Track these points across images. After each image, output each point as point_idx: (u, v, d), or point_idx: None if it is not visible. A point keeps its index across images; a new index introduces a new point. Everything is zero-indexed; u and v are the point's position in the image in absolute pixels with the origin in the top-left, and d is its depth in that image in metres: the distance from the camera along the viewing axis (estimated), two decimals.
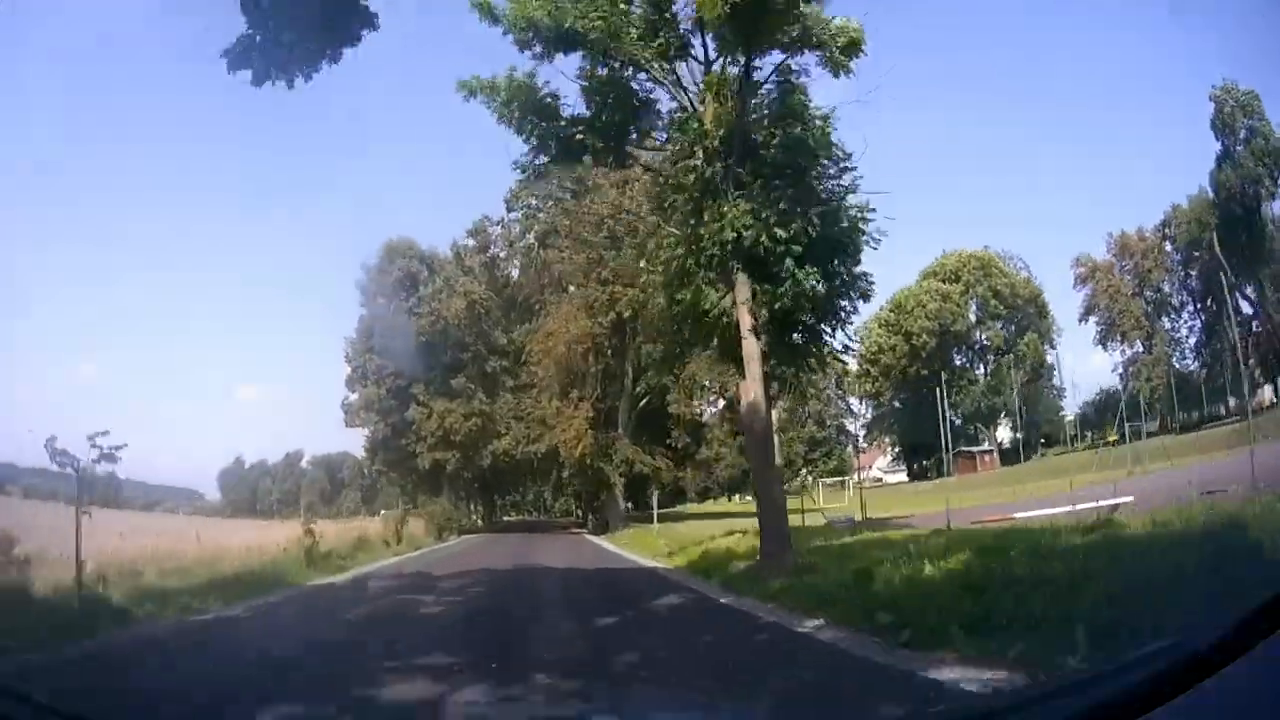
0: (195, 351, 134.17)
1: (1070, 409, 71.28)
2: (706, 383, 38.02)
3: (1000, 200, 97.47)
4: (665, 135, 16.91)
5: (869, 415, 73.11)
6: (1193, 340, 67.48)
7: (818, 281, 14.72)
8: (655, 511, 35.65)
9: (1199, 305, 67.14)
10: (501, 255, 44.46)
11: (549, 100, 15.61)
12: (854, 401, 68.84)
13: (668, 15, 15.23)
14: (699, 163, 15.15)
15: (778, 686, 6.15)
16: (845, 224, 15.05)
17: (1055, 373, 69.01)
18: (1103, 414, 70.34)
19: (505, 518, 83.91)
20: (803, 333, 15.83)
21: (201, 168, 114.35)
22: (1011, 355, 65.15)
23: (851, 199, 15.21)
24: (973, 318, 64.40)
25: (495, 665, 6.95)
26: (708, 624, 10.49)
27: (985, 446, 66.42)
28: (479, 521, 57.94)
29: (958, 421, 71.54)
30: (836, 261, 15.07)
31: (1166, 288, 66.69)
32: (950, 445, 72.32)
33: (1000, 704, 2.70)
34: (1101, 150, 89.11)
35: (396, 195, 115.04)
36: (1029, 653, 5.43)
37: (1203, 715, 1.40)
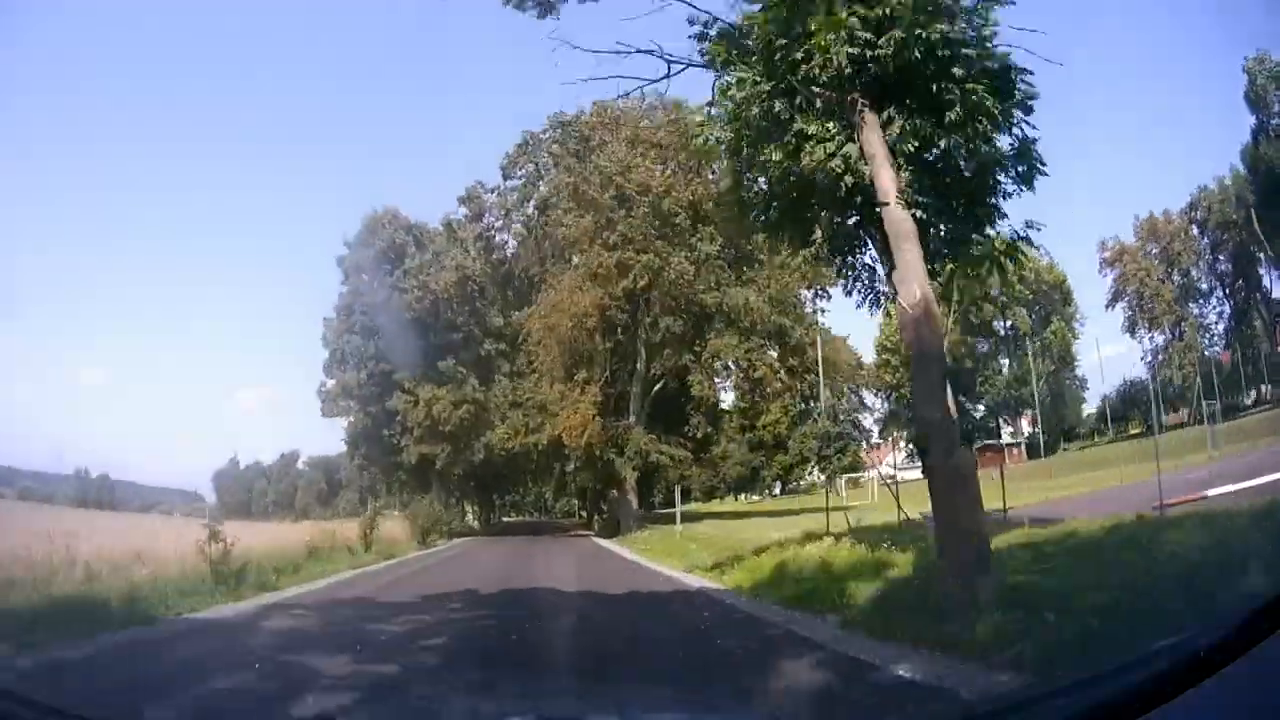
0: (198, 353, 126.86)
1: (1092, 401, 64.78)
2: (732, 362, 31.26)
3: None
4: None
5: (884, 409, 66.41)
6: (1221, 326, 61.29)
7: (993, 103, 8.24)
8: (679, 510, 28.75)
9: (1228, 289, 60.98)
10: (497, 224, 37.77)
11: None
12: (866, 395, 61.85)
13: None
14: None
15: None
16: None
17: (1078, 363, 62.53)
18: (1129, 405, 63.86)
19: (504, 519, 76.65)
20: (967, 203, 9.11)
21: (194, 165, 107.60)
22: (1038, 343, 58.63)
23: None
24: (996, 306, 57.94)
25: None
26: None
27: (1013, 439, 59.71)
28: (475, 523, 51.00)
29: (979, 414, 64.82)
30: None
31: (1194, 272, 60.55)
32: (971, 438, 65.70)
33: (1000, 704, 2.47)
34: (1119, 134, 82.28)
35: (396, 192, 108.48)
36: None
37: (1203, 715, 1.33)
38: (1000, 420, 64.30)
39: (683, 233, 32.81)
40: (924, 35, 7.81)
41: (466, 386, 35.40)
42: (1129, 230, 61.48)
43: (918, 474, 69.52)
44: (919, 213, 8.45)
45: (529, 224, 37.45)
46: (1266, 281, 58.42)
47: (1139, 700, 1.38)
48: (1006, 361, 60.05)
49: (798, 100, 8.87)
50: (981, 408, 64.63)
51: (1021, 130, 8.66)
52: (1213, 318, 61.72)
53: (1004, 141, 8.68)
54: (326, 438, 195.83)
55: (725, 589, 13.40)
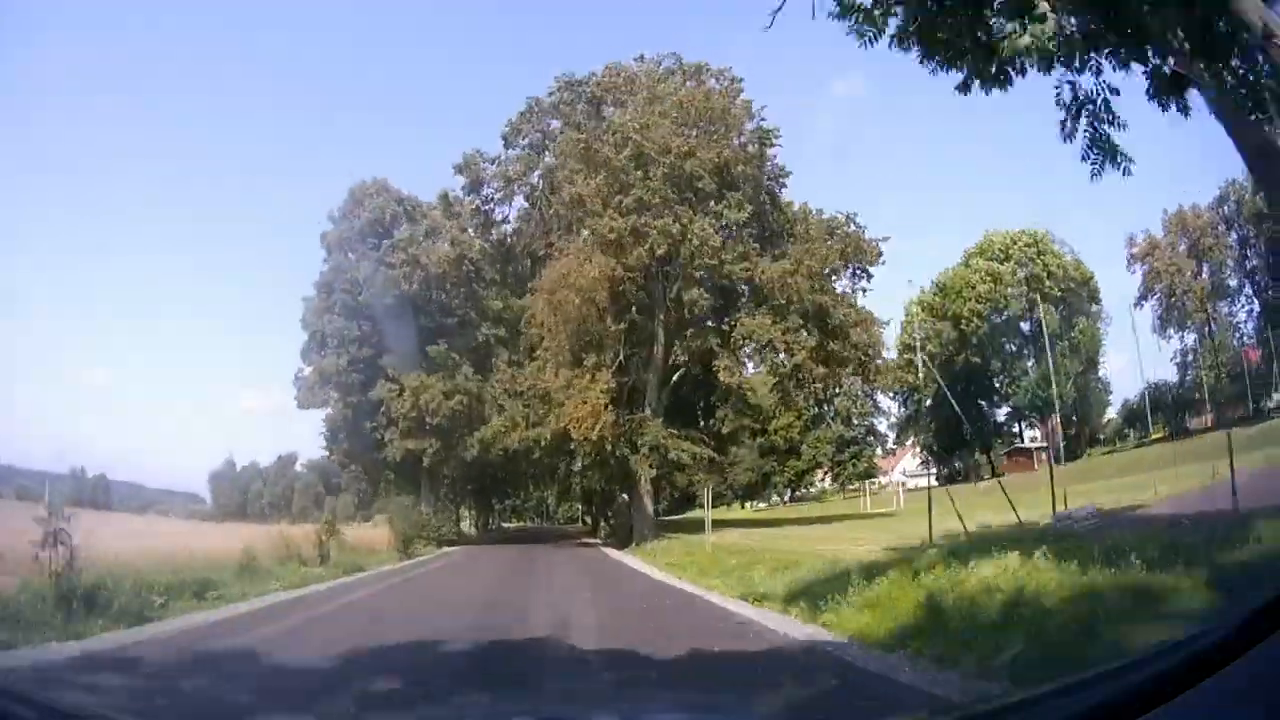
0: (203, 354, 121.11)
1: (1114, 404, 59.24)
2: (765, 344, 25.60)
3: (1030, 181, 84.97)
4: None
5: (901, 413, 60.80)
6: (1250, 325, 55.95)
7: None
8: (709, 516, 23.06)
9: (1259, 286, 55.74)
10: (497, 197, 32.28)
11: None
12: (881, 398, 56.30)
13: None
14: None
15: None
16: None
17: (1103, 364, 57.05)
18: (1153, 409, 58.36)
19: (505, 525, 70.50)
20: None
21: (187, 157, 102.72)
22: (1066, 343, 53.18)
23: None
24: (1024, 301, 52.64)
25: None
26: None
27: (1038, 443, 54.05)
28: (473, 529, 45.19)
29: (1001, 417, 59.29)
30: None
31: (1223, 269, 55.35)
32: (989, 443, 59.94)
33: (1000, 704, 2.24)
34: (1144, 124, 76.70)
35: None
36: None
37: (1203, 715, 1.28)
38: (1022, 424, 58.70)
39: (707, 199, 27.49)
40: None
41: (460, 375, 29.86)
42: (1155, 226, 56.37)
43: (934, 480, 63.79)
44: None
45: (533, 196, 32.07)
46: None
47: (1139, 700, 1.32)
48: (1032, 362, 54.63)
49: None
50: (1004, 410, 59.13)
51: None
52: (1241, 316, 56.62)
53: None
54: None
55: (841, 639, 7.73)
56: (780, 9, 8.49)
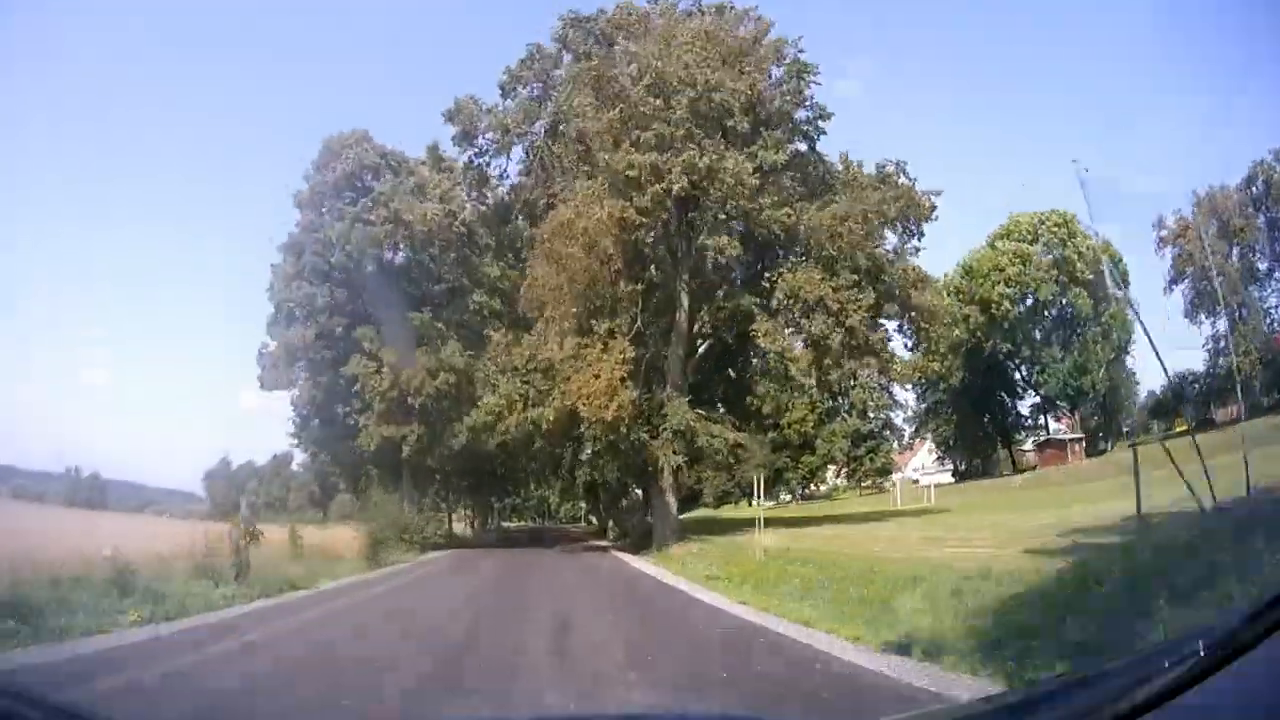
0: (201, 353, 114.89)
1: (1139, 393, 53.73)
2: (825, 294, 19.87)
3: (1046, 165, 78.94)
4: None
5: (920, 405, 55.15)
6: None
7: None
8: (761, 513, 17.41)
9: None
10: (492, 148, 26.68)
11: None
12: (897, 390, 50.57)
13: None
14: None
15: None
16: None
17: (1132, 352, 51.53)
18: (1178, 400, 52.83)
19: (506, 524, 64.44)
20: None
21: (183, 147, 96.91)
22: (1099, 328, 47.83)
23: None
24: (1055, 285, 47.34)
25: None
26: None
27: (1073, 434, 48.53)
28: (469, 530, 39.43)
29: (1025, 409, 53.75)
30: None
31: (1253, 252, 50.19)
32: (1010, 436, 54.45)
33: (999, 704, 2.10)
34: (1168, 104, 70.72)
35: None
36: None
37: (1202, 715, 1.24)
38: (1047, 415, 53.12)
39: (739, 140, 22.05)
40: None
41: (447, 349, 24.22)
42: (1172, 211, 51.07)
43: (948, 477, 58.11)
44: None
45: (533, 148, 26.50)
46: None
47: (1139, 700, 1.27)
48: (1060, 350, 49.26)
49: None
50: (1028, 401, 53.58)
51: None
52: (1272, 300, 51.40)
53: None
54: None
55: None
56: None
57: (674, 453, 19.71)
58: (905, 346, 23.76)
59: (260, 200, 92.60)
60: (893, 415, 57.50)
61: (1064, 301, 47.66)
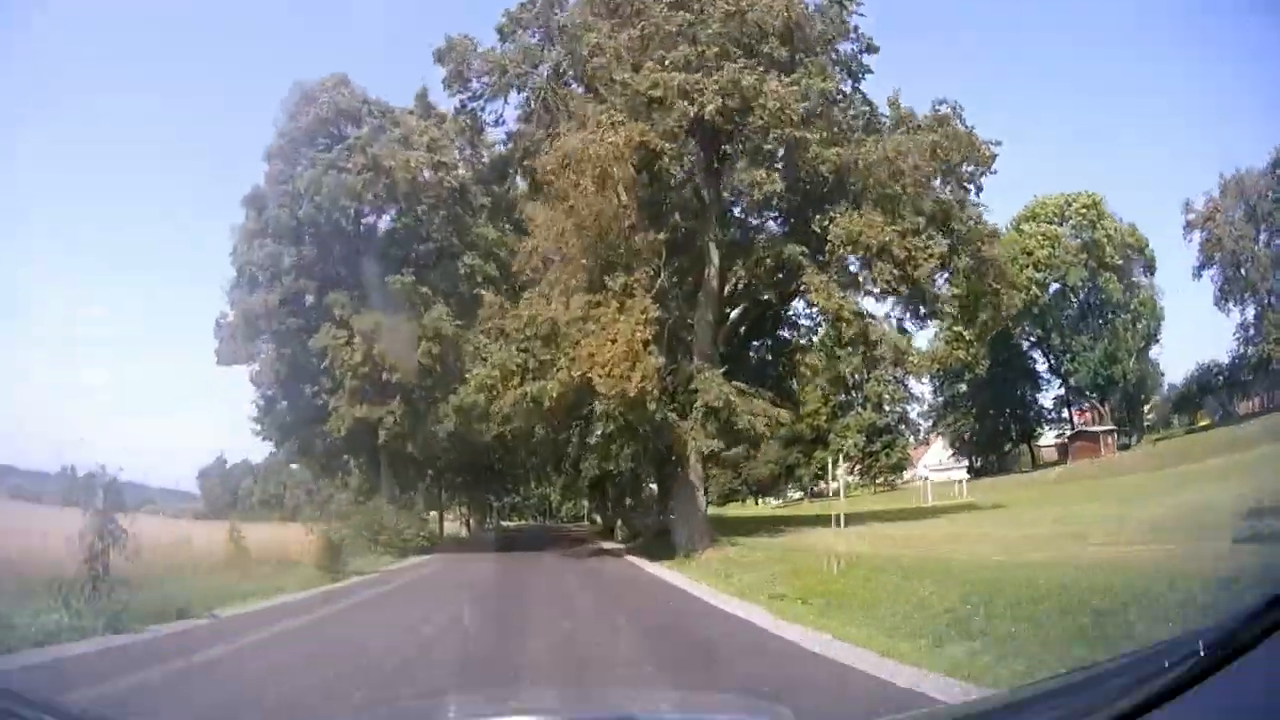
0: (202, 350, 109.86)
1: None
2: (889, 240, 15.45)
3: (1069, 146, 74.04)
4: None
5: (933, 398, 50.97)
6: None
7: None
8: (842, 504, 12.98)
9: None
10: (487, 92, 22.29)
11: None
12: (913, 383, 46.21)
13: None
14: None
15: None
16: None
17: (1159, 340, 47.43)
18: (1202, 392, 48.90)
19: (505, 523, 59.76)
20: None
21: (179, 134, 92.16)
22: (1129, 315, 43.78)
23: None
24: (1084, 269, 43.27)
25: None
26: None
27: (1105, 426, 44.34)
28: (464, 530, 34.98)
29: (1048, 401, 49.54)
30: None
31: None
32: (1032, 430, 50.21)
33: (999, 704, 2.07)
34: (1189, 86, 66.30)
35: None
36: None
37: (1203, 715, 1.19)
38: (1071, 408, 48.90)
39: (776, 68, 17.79)
40: None
41: (432, 314, 19.84)
42: (1198, 194, 47.12)
43: (963, 474, 53.75)
44: None
45: (535, 90, 22.13)
46: None
47: (1139, 700, 1.22)
48: (1090, 338, 45.15)
49: None
50: (1050, 393, 49.38)
51: None
52: None
53: None
54: None
55: None
56: None
57: (708, 436, 15.32)
58: (957, 311, 19.34)
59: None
60: (908, 409, 53.64)
61: (1093, 287, 43.67)
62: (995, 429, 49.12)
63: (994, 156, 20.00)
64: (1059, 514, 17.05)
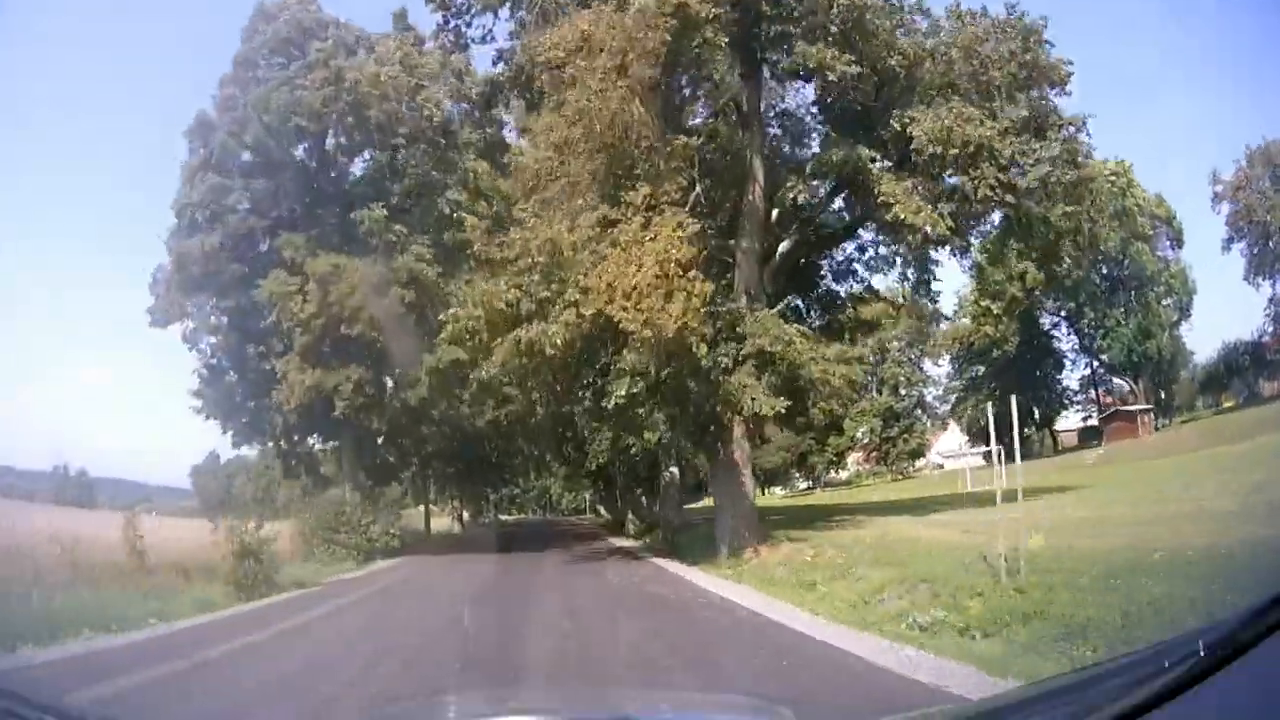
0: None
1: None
2: (988, 138, 11.02)
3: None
4: None
5: (959, 380, 46.75)
6: None
7: None
8: (1018, 474, 8.38)
9: None
10: (478, 4, 17.88)
11: None
12: (929, 364, 41.85)
13: None
14: None
15: None
16: None
17: (1189, 317, 43.37)
18: (1229, 372, 45.05)
19: (504, 517, 55.11)
20: None
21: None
22: (1163, 287, 39.79)
23: None
24: (1116, 238, 39.33)
25: None
26: None
27: (1142, 405, 40.25)
28: (457, 526, 30.56)
29: (1072, 383, 45.46)
30: None
31: None
32: (1054, 412, 46.07)
33: (1000, 704, 1.99)
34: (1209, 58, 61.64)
35: None
36: None
37: (1203, 715, 1.15)
38: (1098, 388, 44.86)
39: None
40: None
41: (408, 257, 15.38)
42: (1225, 165, 43.13)
43: (979, 460, 49.52)
44: None
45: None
46: None
47: (1139, 700, 1.17)
48: (1124, 312, 41.13)
49: None
50: (1076, 373, 45.24)
51: None
52: None
53: None
54: None
55: None
56: None
57: (765, 392, 10.91)
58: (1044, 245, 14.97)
59: None
60: (925, 392, 49.51)
61: (1125, 258, 39.66)
62: (1020, 412, 44.58)
63: (1069, 76, 15.63)
64: (1173, 493, 12.85)
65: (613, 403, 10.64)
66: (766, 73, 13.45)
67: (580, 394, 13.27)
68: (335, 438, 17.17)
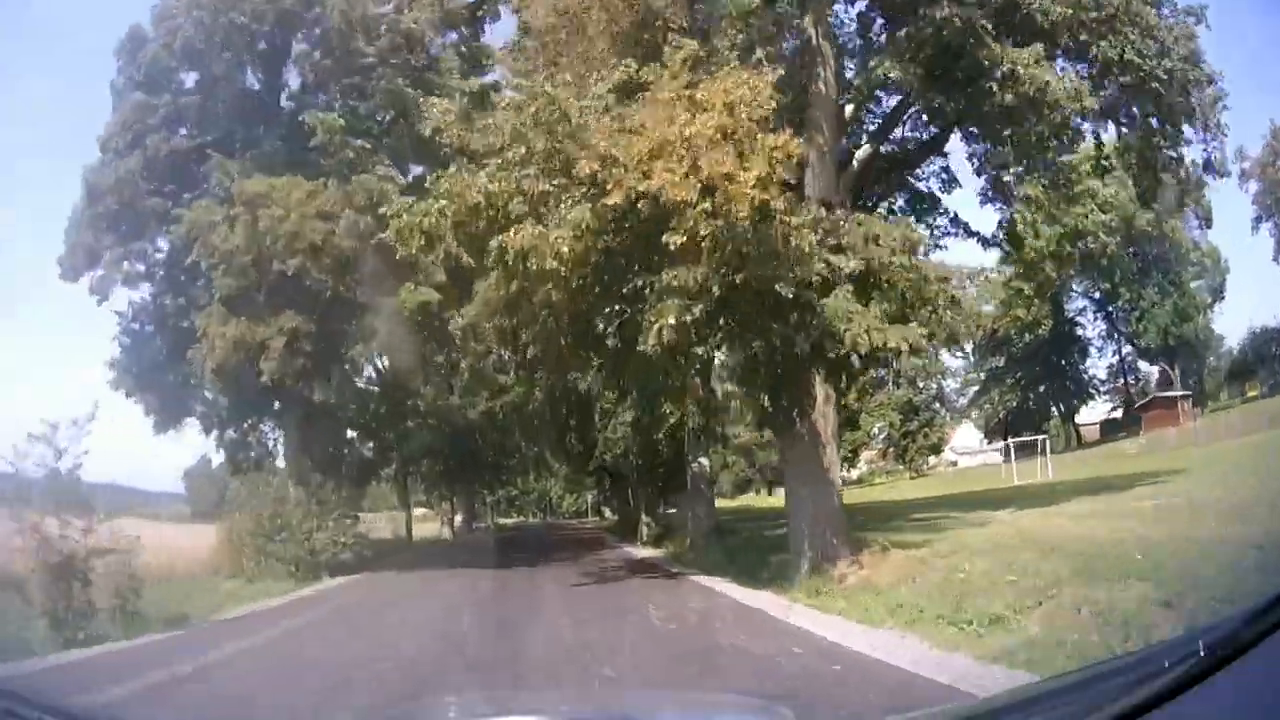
0: None
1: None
2: None
3: None
4: None
5: (979, 372, 42.86)
6: None
7: None
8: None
9: None
10: None
11: None
12: (945, 356, 38.10)
13: None
14: None
15: None
16: None
17: (1221, 302, 39.78)
18: (1260, 360, 41.42)
19: (503, 520, 50.57)
20: None
21: None
22: (1200, 266, 36.21)
23: None
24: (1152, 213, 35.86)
25: None
26: None
27: (1180, 391, 36.46)
28: (446, 531, 26.25)
29: (1099, 371, 41.63)
30: None
31: None
32: (1078, 403, 42.13)
33: (1000, 703, 1.87)
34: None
35: None
36: None
37: (1202, 715, 1.11)
38: (1127, 376, 41.12)
39: None
40: None
41: (365, 176, 11.20)
42: (1252, 141, 39.74)
43: (997, 456, 45.48)
44: None
45: None
46: None
47: (1139, 700, 1.12)
48: (1158, 293, 37.48)
49: None
50: (1102, 363, 41.49)
51: None
52: None
53: None
54: None
55: None
56: None
57: (878, 318, 6.91)
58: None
59: None
60: (944, 384, 45.65)
61: (1160, 235, 36.13)
62: (1044, 404, 41.19)
63: None
64: None
65: (654, 341, 6.62)
66: None
67: (591, 351, 9.19)
68: (277, 417, 12.87)
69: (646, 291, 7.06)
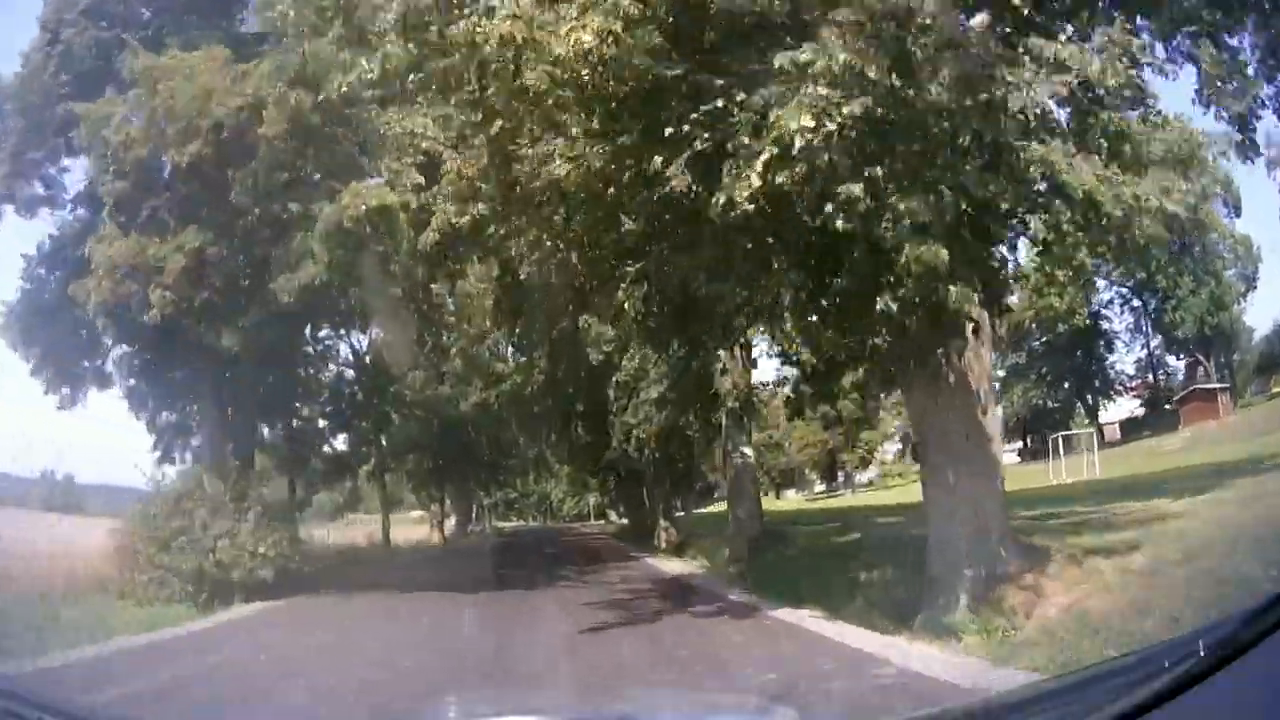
0: None
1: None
2: None
3: None
4: None
5: (999, 369, 39.79)
6: None
7: None
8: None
9: None
10: None
11: None
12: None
13: None
14: None
15: None
16: None
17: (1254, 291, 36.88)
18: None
19: (502, 524, 46.84)
20: None
21: None
22: (1232, 254, 33.32)
23: None
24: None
25: None
26: None
27: (1220, 384, 33.39)
28: (435, 535, 22.75)
29: (1127, 365, 38.38)
30: None
31: None
32: (1095, 404, 38.94)
33: (1001, 703, 1.83)
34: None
35: None
36: None
37: (1202, 715, 1.09)
38: (1157, 372, 37.99)
39: None
40: None
41: (318, 48, 7.89)
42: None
43: (1015, 457, 42.13)
44: None
45: None
46: None
47: (1139, 700, 1.11)
48: (1194, 281, 34.58)
49: None
50: (1130, 357, 38.34)
51: None
52: None
53: None
54: None
55: None
56: None
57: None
58: None
59: None
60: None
61: (1194, 220, 33.25)
62: (1069, 401, 38.08)
63: None
64: None
65: (757, 182, 3.47)
66: None
67: (626, 259, 5.84)
68: (191, 379, 9.37)
69: (735, 112, 3.78)
